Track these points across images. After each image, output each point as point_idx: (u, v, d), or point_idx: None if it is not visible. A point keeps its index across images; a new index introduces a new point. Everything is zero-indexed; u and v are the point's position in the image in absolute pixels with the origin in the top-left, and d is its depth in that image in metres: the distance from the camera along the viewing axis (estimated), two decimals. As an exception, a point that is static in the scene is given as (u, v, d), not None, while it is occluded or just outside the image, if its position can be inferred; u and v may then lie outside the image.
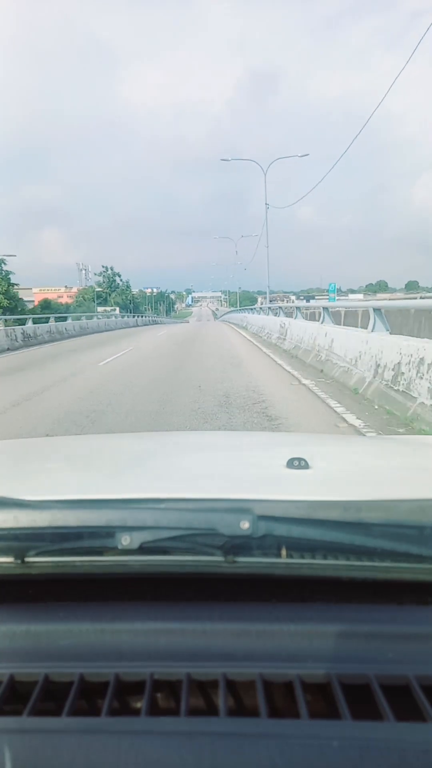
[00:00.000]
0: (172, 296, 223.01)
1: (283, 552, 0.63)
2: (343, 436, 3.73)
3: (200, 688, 0.58)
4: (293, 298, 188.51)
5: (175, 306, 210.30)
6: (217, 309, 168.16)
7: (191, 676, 0.58)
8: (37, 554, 0.65)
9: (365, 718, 0.53)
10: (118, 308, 72.53)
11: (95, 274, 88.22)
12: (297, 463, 0.92)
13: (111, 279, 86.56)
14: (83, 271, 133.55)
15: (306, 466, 0.92)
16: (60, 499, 0.76)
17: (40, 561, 0.65)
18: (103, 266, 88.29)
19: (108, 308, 71.44)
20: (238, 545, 0.63)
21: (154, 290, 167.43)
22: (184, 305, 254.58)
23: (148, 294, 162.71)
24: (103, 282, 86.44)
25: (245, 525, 0.62)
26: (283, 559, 0.63)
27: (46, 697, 0.57)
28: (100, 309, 66.92)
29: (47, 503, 0.69)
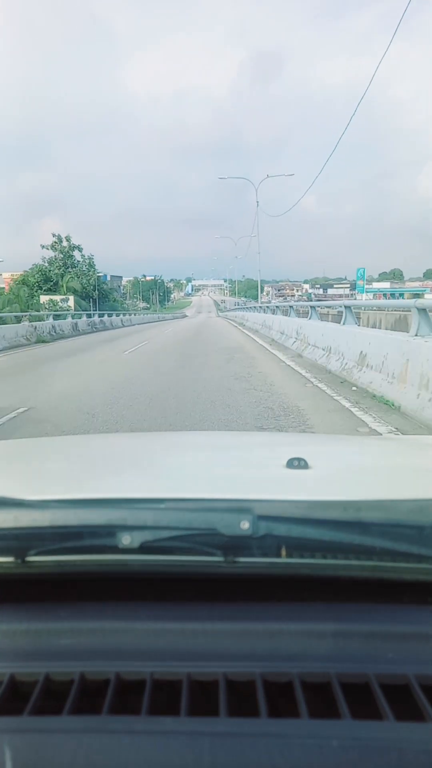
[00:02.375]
0: (169, 285, 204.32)
1: (283, 552, 0.63)
2: (343, 436, 3.59)
3: (200, 687, 0.58)
4: (306, 287, 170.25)
5: (172, 295, 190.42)
6: (223, 300, 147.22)
7: (191, 675, 0.58)
8: (38, 554, 0.65)
9: (365, 718, 0.53)
10: (72, 297, 46.14)
11: (42, 247, 54.43)
12: (297, 463, 0.92)
13: (66, 254, 55.44)
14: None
15: (306, 466, 0.92)
16: (60, 498, 0.76)
17: (40, 560, 0.65)
18: (53, 235, 55.94)
19: (58, 297, 45.84)
20: (238, 545, 0.63)
21: (145, 277, 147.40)
22: (183, 294, 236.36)
23: (140, 281, 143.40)
24: (55, 259, 54.55)
25: (245, 525, 0.62)
26: (283, 559, 0.63)
27: (47, 696, 0.57)
28: (44, 298, 45.06)
29: (48, 503, 0.69)
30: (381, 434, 4.94)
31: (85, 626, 0.65)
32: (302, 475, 0.91)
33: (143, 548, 0.63)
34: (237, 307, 64.69)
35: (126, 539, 0.63)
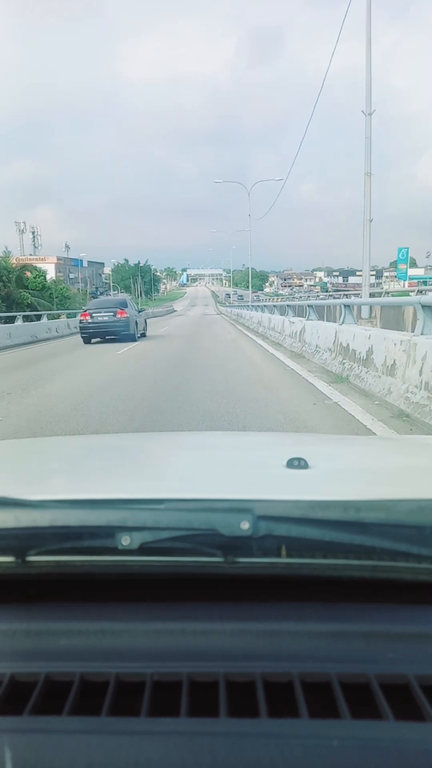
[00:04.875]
0: (161, 274, 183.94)
1: (283, 552, 0.63)
2: (343, 437, 3.60)
3: (200, 688, 0.58)
4: (320, 275, 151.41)
5: (161, 285, 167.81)
6: (228, 294, 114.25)
7: (191, 676, 0.58)
8: (38, 554, 0.65)
9: (365, 718, 0.53)
10: None
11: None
12: (297, 463, 0.92)
13: None
14: (30, 233, 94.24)
15: (306, 466, 0.92)
16: (60, 499, 0.77)
17: (40, 561, 0.66)
18: None
19: None
20: (238, 545, 0.63)
21: (128, 262, 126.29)
22: (177, 284, 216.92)
23: (121, 267, 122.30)
24: None
25: (245, 525, 0.62)
26: (283, 559, 0.64)
27: (47, 696, 0.57)
28: None
29: (48, 503, 0.70)
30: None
31: (85, 626, 0.65)
32: (302, 475, 0.91)
33: (143, 549, 0.63)
34: (242, 303, 46.85)
35: (126, 540, 0.62)
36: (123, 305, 16.54)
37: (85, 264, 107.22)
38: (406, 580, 0.66)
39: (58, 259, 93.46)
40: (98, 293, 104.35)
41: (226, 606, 0.67)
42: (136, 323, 16.94)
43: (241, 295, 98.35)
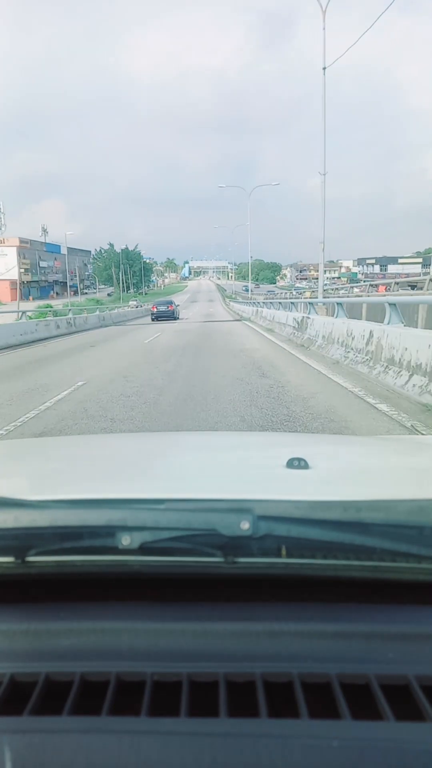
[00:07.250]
0: (160, 267, 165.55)
1: (283, 552, 0.63)
2: (343, 437, 3.60)
3: (200, 688, 0.58)
4: (348, 265, 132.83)
5: (154, 278, 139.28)
6: (248, 290, 76.13)
7: (191, 676, 0.58)
8: (38, 554, 0.65)
9: (365, 719, 0.53)
10: None
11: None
12: (297, 463, 0.93)
13: None
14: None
15: (306, 466, 0.93)
16: (60, 498, 0.77)
17: (40, 561, 0.66)
18: None
19: None
20: (238, 545, 0.63)
21: (113, 247, 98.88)
22: (178, 277, 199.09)
23: (104, 254, 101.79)
24: None
25: (245, 525, 0.62)
26: (283, 559, 0.64)
27: (47, 696, 0.57)
28: None
29: (48, 503, 0.70)
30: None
31: (85, 626, 0.65)
32: (302, 475, 0.92)
33: (143, 549, 0.63)
34: (272, 299, 29.31)
35: (126, 540, 0.63)
36: (171, 303, 34.11)
37: (63, 251, 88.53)
38: (406, 581, 0.66)
39: (22, 242, 74.93)
40: (76, 286, 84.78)
41: (226, 606, 0.67)
42: (177, 311, 33.79)
43: (272, 290, 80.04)
